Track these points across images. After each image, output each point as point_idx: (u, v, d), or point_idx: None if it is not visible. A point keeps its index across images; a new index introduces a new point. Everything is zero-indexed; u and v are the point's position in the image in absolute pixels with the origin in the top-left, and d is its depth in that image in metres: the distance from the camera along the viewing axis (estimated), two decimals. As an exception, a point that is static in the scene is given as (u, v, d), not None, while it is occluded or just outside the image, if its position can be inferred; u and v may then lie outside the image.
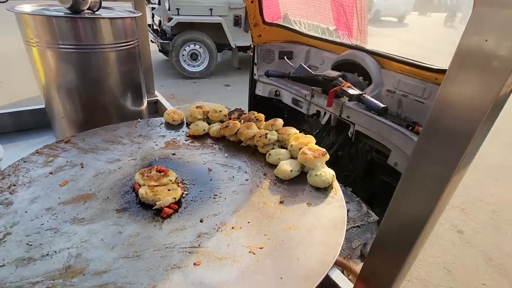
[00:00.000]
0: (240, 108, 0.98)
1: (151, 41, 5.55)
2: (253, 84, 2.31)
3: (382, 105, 1.33)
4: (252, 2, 1.93)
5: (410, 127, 1.50)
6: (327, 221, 0.59)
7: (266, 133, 0.83)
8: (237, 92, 5.45)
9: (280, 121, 0.87)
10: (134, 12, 1.13)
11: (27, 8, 1.07)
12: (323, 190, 0.69)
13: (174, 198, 0.65)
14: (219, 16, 5.56)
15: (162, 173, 0.72)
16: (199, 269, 0.48)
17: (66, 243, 0.51)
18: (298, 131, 0.85)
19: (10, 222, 0.53)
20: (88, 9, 1.06)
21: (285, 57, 2.04)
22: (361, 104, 1.63)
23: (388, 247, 0.52)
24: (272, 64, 2.21)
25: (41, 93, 1.15)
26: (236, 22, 5.85)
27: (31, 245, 0.49)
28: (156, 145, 0.86)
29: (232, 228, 0.58)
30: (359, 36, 1.73)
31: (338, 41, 1.87)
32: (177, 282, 0.45)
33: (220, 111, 0.97)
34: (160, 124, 0.97)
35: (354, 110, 1.61)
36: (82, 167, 0.72)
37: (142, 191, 0.65)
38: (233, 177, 0.74)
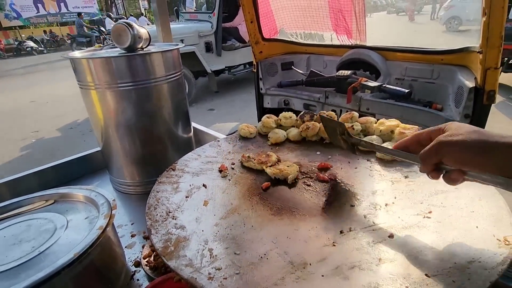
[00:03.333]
0: (309, 110, 1.05)
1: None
2: (260, 98, 2.39)
3: (407, 90, 1.46)
4: (251, 22, 2.04)
5: (428, 106, 1.65)
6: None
7: (352, 125, 0.90)
8: (223, 115, 5.51)
9: (356, 114, 0.94)
10: (177, 45, 1.18)
11: (78, 54, 1.07)
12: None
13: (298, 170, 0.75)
14: (191, 45, 5.68)
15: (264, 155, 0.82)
16: (397, 240, 0.52)
17: (265, 246, 0.53)
18: (375, 119, 0.92)
19: (201, 240, 0.54)
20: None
21: (292, 67, 2.16)
22: (377, 94, 1.77)
23: None
24: (277, 76, 2.32)
25: (97, 135, 1.14)
26: (208, 48, 6.00)
27: (238, 253, 0.51)
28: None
29: (386, 205, 0.62)
30: (359, 36, 1.90)
31: (339, 44, 2.03)
32: (392, 251, 0.49)
33: (291, 117, 1.02)
34: (238, 140, 1.00)
35: (373, 101, 1.73)
36: (205, 187, 0.73)
37: (270, 170, 0.74)
38: (341, 168, 0.79)
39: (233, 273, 0.44)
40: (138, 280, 0.77)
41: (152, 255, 0.79)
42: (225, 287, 0.42)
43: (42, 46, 16.57)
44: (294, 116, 1.03)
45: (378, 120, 0.93)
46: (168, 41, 1.48)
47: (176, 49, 1.12)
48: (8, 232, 0.67)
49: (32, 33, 18.31)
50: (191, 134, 1.33)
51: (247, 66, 6.79)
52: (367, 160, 0.81)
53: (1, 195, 1.12)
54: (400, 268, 0.44)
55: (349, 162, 0.81)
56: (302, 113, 1.03)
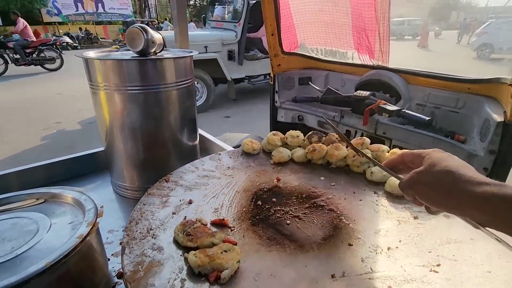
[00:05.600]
0: (318, 131, 0.99)
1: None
2: (274, 111, 2.36)
3: (427, 118, 1.38)
4: (272, 35, 2.03)
5: (450, 137, 1.55)
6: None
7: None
8: (238, 123, 5.51)
9: (367, 140, 0.88)
10: (191, 52, 1.16)
11: (92, 54, 1.08)
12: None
13: (238, 261, 0.50)
14: (214, 52, 5.77)
15: (209, 231, 0.57)
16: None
17: (245, 282, 0.47)
18: (388, 147, 0.86)
19: (176, 268, 0.49)
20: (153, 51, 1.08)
21: (309, 83, 2.11)
22: (395, 119, 1.68)
23: None
24: (293, 90, 2.28)
25: (102, 136, 1.13)
26: (230, 56, 6.08)
27: (213, 289, 0.46)
28: (249, 175, 0.84)
29: (389, 249, 0.56)
30: (381, 57, 1.83)
31: (360, 63, 1.97)
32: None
33: (298, 136, 0.97)
34: (241, 155, 0.96)
35: (390, 125, 1.65)
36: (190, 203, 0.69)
37: (193, 258, 0.48)
38: (345, 198, 0.73)
39: (201, 313, 0.40)
40: (118, 293, 0.73)
41: (136, 268, 0.75)
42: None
43: (77, 42, 17.46)
44: (301, 135, 0.98)
45: (392, 146, 0.86)
46: (185, 47, 1.48)
47: (189, 56, 1.11)
48: (-9, 229, 0.65)
49: (69, 29, 19.39)
50: (197, 142, 1.30)
51: (267, 77, 6.81)
52: (374, 193, 0.74)
53: (10, 185, 1.12)
54: (394, 333, 0.37)
55: (354, 193, 0.75)
56: (310, 133, 0.98)
